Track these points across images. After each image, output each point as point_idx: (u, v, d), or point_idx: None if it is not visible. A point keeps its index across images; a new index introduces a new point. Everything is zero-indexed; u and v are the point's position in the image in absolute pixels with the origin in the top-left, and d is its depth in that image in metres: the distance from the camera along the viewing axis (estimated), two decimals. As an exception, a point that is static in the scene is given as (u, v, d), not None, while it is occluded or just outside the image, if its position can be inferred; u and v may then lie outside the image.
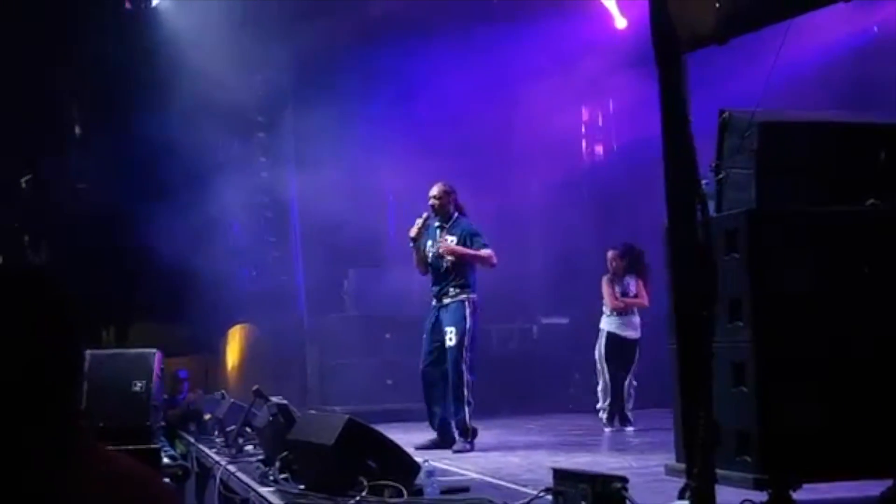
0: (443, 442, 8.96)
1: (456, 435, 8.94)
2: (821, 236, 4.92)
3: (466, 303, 9.00)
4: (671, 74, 4.57)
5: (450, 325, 8.96)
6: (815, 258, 4.87)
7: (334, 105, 12.71)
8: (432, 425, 9.18)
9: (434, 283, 9.18)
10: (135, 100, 13.86)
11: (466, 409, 8.86)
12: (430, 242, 9.24)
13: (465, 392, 8.86)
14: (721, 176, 5.32)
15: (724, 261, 4.83)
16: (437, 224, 9.22)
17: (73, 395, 1.76)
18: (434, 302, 9.18)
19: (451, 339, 8.93)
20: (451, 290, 9.05)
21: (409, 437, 8.80)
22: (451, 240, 9.12)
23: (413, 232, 9.22)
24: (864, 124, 5.43)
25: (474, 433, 8.97)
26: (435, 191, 9.20)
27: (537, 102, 13.90)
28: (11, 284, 1.71)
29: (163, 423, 7.91)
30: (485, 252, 9.03)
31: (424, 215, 9.24)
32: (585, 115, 14.63)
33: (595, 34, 14.28)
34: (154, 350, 7.43)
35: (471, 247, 9.05)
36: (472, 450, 8.77)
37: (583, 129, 14.72)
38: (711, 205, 4.99)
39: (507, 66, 14.41)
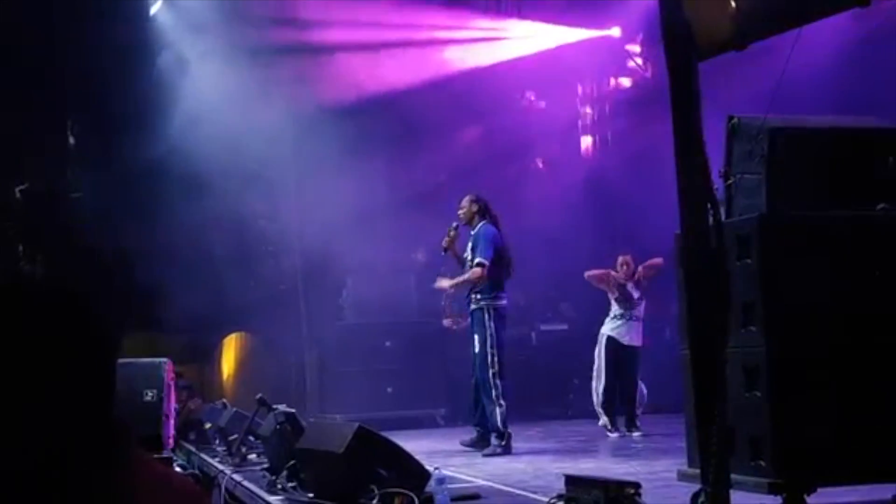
0: (480, 441, 9.32)
1: (492, 438, 9.20)
2: (832, 241, 4.93)
3: (486, 309, 9.30)
4: (683, 80, 4.58)
5: (474, 333, 9.37)
6: (826, 263, 4.88)
7: (334, 113, 12.74)
8: (477, 424, 9.50)
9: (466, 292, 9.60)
10: (131, 110, 13.85)
11: (497, 411, 9.13)
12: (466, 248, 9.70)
13: (494, 395, 9.15)
14: (730, 181, 5.33)
15: (736, 266, 4.83)
16: (470, 231, 9.71)
17: (111, 407, 1.76)
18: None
19: (475, 346, 9.33)
20: (474, 296, 9.42)
21: (412, 445, 8.73)
22: (469, 247, 9.52)
23: (444, 243, 9.77)
24: (875, 129, 5.44)
25: (508, 437, 9.20)
26: (462, 201, 9.69)
27: (537, 107, 13.94)
28: (43, 299, 1.69)
29: (174, 432, 7.90)
30: (470, 273, 9.37)
31: (454, 225, 9.76)
32: (586, 120, 14.65)
33: (597, 41, 14.37)
34: (165, 359, 7.41)
35: (475, 256, 9.37)
36: (502, 454, 8.99)
37: (584, 135, 14.74)
38: (721, 211, 4.99)
39: (509, 71, 14.47)
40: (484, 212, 9.59)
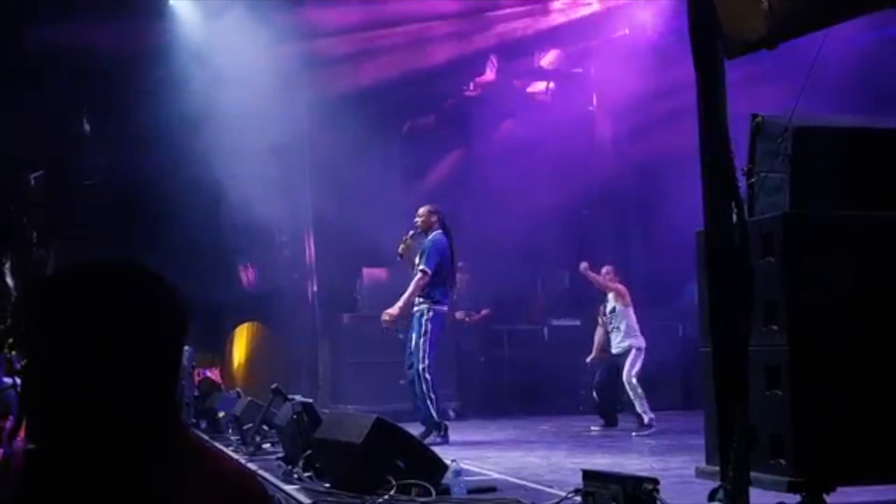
0: (427, 435, 9.59)
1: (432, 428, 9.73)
2: (855, 241, 4.92)
3: (425, 312, 9.94)
4: (711, 78, 4.58)
5: (412, 331, 10.00)
6: (849, 262, 4.88)
7: (351, 107, 12.76)
8: (419, 420, 9.86)
9: None
10: (146, 98, 13.85)
11: (430, 405, 9.70)
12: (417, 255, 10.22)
13: (425, 388, 9.72)
14: (753, 180, 5.33)
15: (759, 264, 4.83)
16: (423, 239, 10.25)
17: (176, 392, 1.79)
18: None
19: (411, 343, 9.97)
20: (417, 298, 10.03)
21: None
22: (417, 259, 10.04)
23: (400, 249, 10.35)
24: (900, 130, 5.44)
25: (445, 428, 9.75)
26: (420, 210, 10.34)
27: (550, 106, 13.94)
28: (131, 280, 1.73)
29: (194, 420, 7.92)
30: (414, 282, 9.97)
31: (410, 233, 10.33)
32: (601, 120, 14.64)
33: (606, 40, 14.35)
34: (187, 347, 7.41)
35: (420, 262, 9.99)
36: (443, 443, 9.36)
37: (598, 134, 14.73)
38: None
39: (518, 70, 14.48)
40: (440, 223, 10.20)
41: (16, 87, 13.60)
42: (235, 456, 8.37)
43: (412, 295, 10.01)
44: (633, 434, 10.46)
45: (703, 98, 4.64)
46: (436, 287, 10.03)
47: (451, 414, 12.07)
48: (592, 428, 10.99)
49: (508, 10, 14.16)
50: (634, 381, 10.90)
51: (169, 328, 1.73)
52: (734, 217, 4.63)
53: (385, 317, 10.11)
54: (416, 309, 10.04)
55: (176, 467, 1.69)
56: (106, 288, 1.70)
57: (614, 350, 11.27)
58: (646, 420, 10.69)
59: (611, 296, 11.37)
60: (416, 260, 10.14)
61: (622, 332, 11.19)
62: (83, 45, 13.80)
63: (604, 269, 11.50)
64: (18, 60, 13.51)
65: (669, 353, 12.11)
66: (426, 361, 9.82)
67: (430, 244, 10.04)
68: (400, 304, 10.03)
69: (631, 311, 11.27)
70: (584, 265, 11.50)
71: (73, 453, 1.66)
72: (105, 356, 1.65)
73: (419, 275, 9.93)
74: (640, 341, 11.18)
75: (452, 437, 9.88)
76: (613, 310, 11.30)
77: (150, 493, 1.67)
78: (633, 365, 11.00)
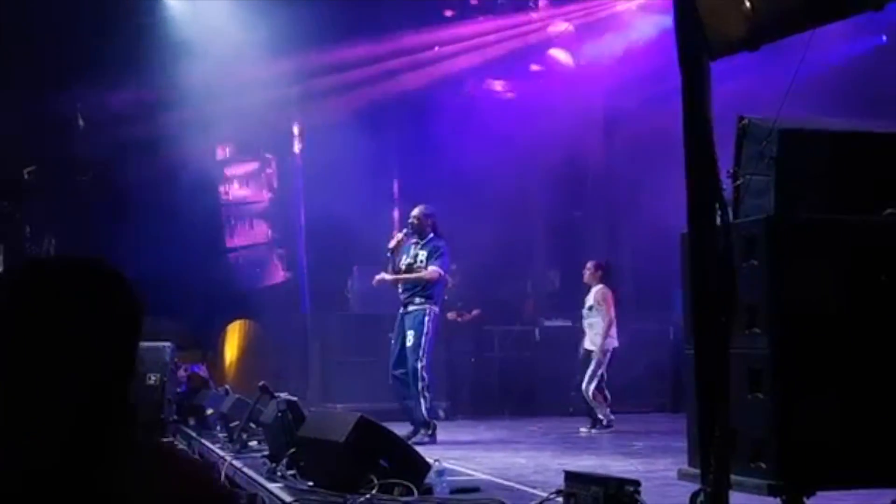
0: (415, 434, 9.68)
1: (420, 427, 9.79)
2: (839, 244, 4.91)
3: (427, 312, 10.04)
4: (695, 78, 4.57)
5: (410, 329, 10.01)
6: (832, 266, 4.86)
7: (342, 101, 12.74)
8: (408, 419, 9.89)
9: (402, 292, 10.15)
10: (140, 93, 13.84)
11: (423, 403, 9.77)
12: (404, 255, 10.25)
13: (421, 387, 9.77)
14: (739, 182, 5.32)
15: (742, 267, 4.82)
16: (413, 240, 10.26)
17: (130, 391, 1.78)
18: (401, 309, 10.16)
19: (409, 341, 9.98)
20: (417, 299, 10.10)
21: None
22: (421, 256, 10.12)
23: (391, 244, 10.34)
24: (885, 134, 5.43)
25: (434, 427, 9.80)
26: (415, 211, 10.35)
27: (542, 104, 13.93)
28: (91, 277, 1.71)
29: (175, 417, 7.91)
30: (427, 272, 10.02)
31: (403, 231, 10.35)
32: (592, 121, 14.63)
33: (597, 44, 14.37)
34: (169, 343, 7.42)
35: (431, 262, 10.04)
36: (430, 442, 9.46)
37: (588, 134, 14.72)
38: (729, 211, 4.97)
39: (512, 70, 14.48)
40: (435, 226, 10.24)
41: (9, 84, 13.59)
42: (222, 453, 8.36)
43: (416, 279, 10.05)
44: (583, 430, 10.66)
45: (688, 98, 4.63)
46: (439, 289, 10.16)
47: (441, 414, 12.06)
48: (581, 430, 10.98)
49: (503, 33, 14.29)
50: (591, 393, 10.94)
51: (122, 326, 1.71)
52: (718, 219, 4.63)
53: (379, 277, 10.26)
54: (414, 308, 10.05)
55: (131, 466, 1.68)
56: (58, 283, 1.68)
57: (587, 345, 11.26)
58: (605, 421, 10.79)
59: (591, 294, 11.30)
60: (409, 260, 10.13)
61: (595, 331, 11.17)
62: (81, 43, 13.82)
63: (588, 265, 11.43)
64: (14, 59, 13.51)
65: (660, 356, 12.09)
66: (424, 360, 9.87)
67: (443, 247, 10.13)
68: (398, 276, 10.14)
69: (611, 312, 11.18)
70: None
71: (24, 451, 1.64)
72: (54, 353, 1.63)
73: (433, 273, 9.99)
74: (610, 343, 11.12)
75: (441, 436, 9.89)
76: (591, 308, 11.26)
77: (104, 491, 1.65)
78: (592, 376, 10.99)
